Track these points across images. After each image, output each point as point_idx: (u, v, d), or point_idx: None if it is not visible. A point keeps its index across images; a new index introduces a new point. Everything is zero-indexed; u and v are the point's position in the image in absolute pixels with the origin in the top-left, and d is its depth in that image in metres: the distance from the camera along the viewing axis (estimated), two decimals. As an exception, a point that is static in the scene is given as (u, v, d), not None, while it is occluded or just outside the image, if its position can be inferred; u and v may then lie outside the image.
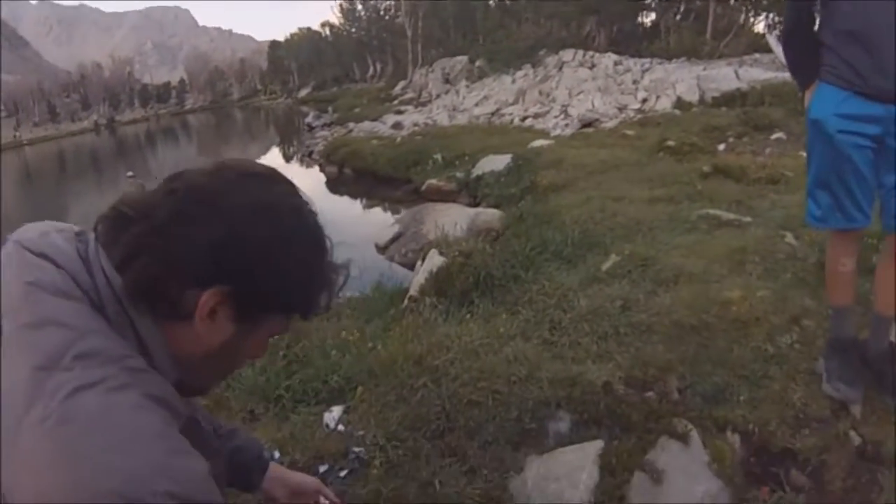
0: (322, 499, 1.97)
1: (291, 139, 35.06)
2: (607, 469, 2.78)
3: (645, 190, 8.71)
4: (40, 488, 0.89)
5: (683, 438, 2.94)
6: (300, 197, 1.20)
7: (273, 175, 1.20)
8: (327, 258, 1.21)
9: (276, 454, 3.18)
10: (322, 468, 3.09)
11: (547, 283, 5.21)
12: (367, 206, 16.71)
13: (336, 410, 3.57)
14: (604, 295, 4.61)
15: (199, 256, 1.06)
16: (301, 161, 27.13)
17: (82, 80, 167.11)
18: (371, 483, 2.87)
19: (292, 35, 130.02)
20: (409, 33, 60.32)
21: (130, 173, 32.56)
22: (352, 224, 14.62)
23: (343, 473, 3.04)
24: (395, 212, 14.25)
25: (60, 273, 1.08)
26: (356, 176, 19.59)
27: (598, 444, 2.91)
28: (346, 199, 18.02)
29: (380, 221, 13.27)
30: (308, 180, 21.93)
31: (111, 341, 1.04)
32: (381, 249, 10.95)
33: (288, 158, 30.05)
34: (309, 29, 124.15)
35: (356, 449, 3.16)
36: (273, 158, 33.80)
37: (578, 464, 2.79)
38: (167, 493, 0.93)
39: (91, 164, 57.58)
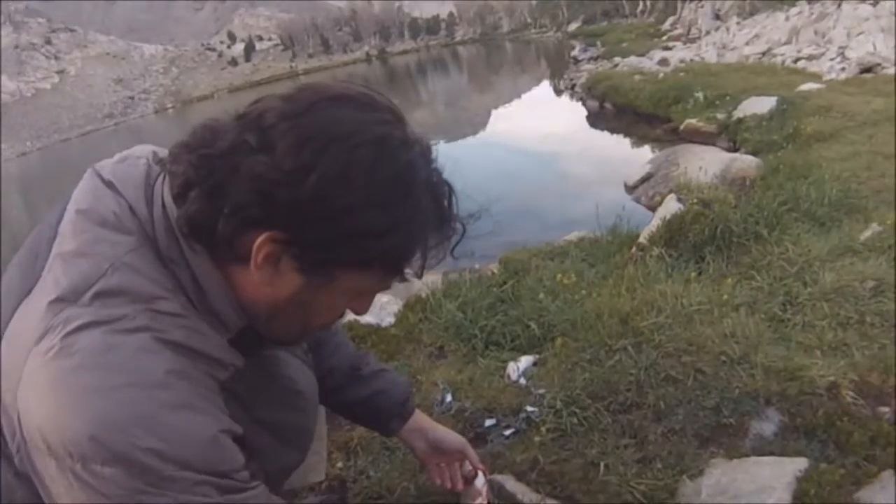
0: (467, 464, 1.82)
1: (561, 73, 34.41)
2: (803, 500, 2.16)
3: (924, 148, 7.31)
4: (35, 420, 0.85)
5: (913, 479, 2.26)
6: (398, 128, 0.95)
7: (366, 100, 0.96)
8: (425, 204, 0.94)
9: (449, 397, 2.98)
10: (489, 422, 2.83)
11: (791, 246, 4.50)
12: (624, 143, 15.90)
13: (524, 361, 3.27)
14: (854, 271, 3.85)
15: (247, 193, 0.89)
16: (569, 95, 26.45)
17: (353, 15, 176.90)
18: (532, 450, 2.54)
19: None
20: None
21: (384, 95, 33.94)
22: (606, 161, 14.16)
23: (508, 432, 2.75)
24: (651, 150, 13.45)
25: (118, 202, 0.98)
26: (616, 111, 18.70)
27: (800, 463, 2.29)
28: (605, 134, 17.45)
29: (634, 159, 12.57)
30: (569, 114, 21.54)
31: (145, 279, 0.93)
32: (630, 189, 10.49)
33: (559, 92, 29.43)
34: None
35: (530, 408, 2.84)
36: (543, 91, 33.59)
37: (769, 483, 2.21)
38: (150, 451, 0.83)
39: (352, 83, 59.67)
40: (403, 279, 1.02)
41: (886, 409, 2.64)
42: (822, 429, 2.50)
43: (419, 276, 1.03)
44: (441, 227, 0.98)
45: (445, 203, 0.98)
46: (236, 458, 0.97)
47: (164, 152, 1.06)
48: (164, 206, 0.97)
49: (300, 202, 0.87)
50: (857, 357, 2.96)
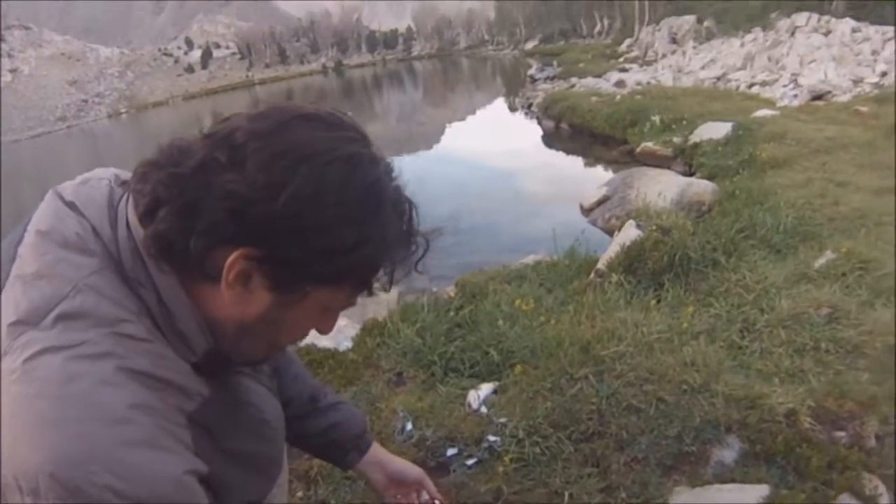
0: (424, 493, 1.79)
1: (517, 91, 34.81)
2: None
3: (875, 177, 7.60)
4: None
5: (870, 502, 2.35)
6: (365, 146, 0.96)
7: (333, 119, 0.97)
8: (393, 221, 0.96)
9: (409, 426, 2.98)
10: (451, 451, 2.85)
11: (748, 273, 4.63)
12: (579, 164, 16.15)
13: (484, 389, 3.30)
14: (810, 298, 3.97)
15: (220, 211, 0.87)
16: (524, 114, 26.72)
17: (312, 26, 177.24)
18: (495, 480, 2.56)
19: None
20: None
21: (349, 114, 33.74)
22: (562, 180, 14.29)
23: (471, 462, 2.78)
24: (606, 172, 13.65)
25: (81, 223, 0.96)
26: (572, 132, 18.98)
27: (762, 490, 2.38)
28: (560, 154, 17.62)
29: (589, 181, 12.71)
30: (524, 133, 21.74)
31: (109, 302, 0.91)
32: (586, 211, 10.57)
33: (513, 110, 29.72)
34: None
35: (492, 438, 2.87)
36: (498, 109, 33.86)
37: None
38: (107, 487, 0.80)
39: (318, 103, 59.52)
40: (371, 293, 1.03)
41: (842, 433, 2.75)
42: (782, 455, 2.60)
43: (387, 289, 1.03)
44: (406, 242, 1.00)
45: (408, 219, 0.99)
46: (200, 500, 0.94)
47: (125, 175, 1.06)
48: (128, 226, 0.95)
49: (273, 219, 0.87)
50: (813, 383, 3.07)
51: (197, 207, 0.88)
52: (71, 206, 0.98)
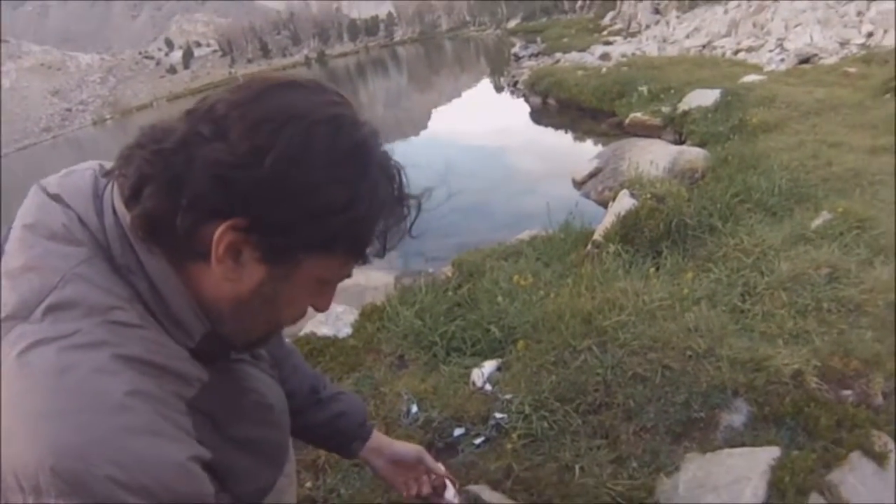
0: (433, 475, 1.81)
1: (502, 70, 34.68)
2: (778, 487, 2.23)
3: (867, 137, 7.60)
4: None
5: (880, 459, 2.35)
6: (348, 108, 0.95)
7: (314, 85, 0.96)
8: (383, 182, 0.95)
9: (414, 408, 2.97)
10: (458, 431, 2.84)
11: (746, 237, 4.61)
12: (569, 139, 16.04)
13: (487, 367, 3.28)
14: (809, 259, 3.96)
15: (205, 182, 0.86)
16: (510, 92, 26.60)
17: (292, 18, 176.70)
18: (504, 458, 2.54)
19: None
20: (620, -39, 57.56)
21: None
22: (552, 156, 14.26)
23: (479, 441, 2.76)
24: (597, 145, 13.54)
25: (67, 214, 0.94)
26: (560, 107, 18.87)
27: (773, 452, 2.38)
28: (549, 130, 17.54)
29: (580, 155, 12.64)
30: (511, 111, 21.66)
31: (100, 290, 0.88)
32: (578, 185, 10.54)
33: (499, 89, 29.61)
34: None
35: (498, 415, 2.86)
36: (483, 89, 33.75)
37: (744, 473, 2.28)
38: (109, 478, 0.77)
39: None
40: (365, 261, 1.01)
41: (849, 392, 2.75)
42: (791, 416, 2.59)
43: (381, 255, 1.01)
44: (397, 205, 0.98)
45: (398, 183, 0.98)
46: (205, 487, 0.92)
47: (110, 165, 1.02)
48: (115, 213, 0.93)
49: (260, 184, 0.85)
50: (817, 343, 3.06)
51: (182, 181, 0.86)
52: (56, 198, 0.96)
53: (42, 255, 0.89)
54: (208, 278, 0.93)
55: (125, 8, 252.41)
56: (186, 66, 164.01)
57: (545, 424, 2.71)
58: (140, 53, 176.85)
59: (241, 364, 1.20)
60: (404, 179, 0.99)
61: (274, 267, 0.93)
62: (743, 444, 2.48)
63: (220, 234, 0.87)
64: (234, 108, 0.88)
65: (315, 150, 0.87)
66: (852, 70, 13.93)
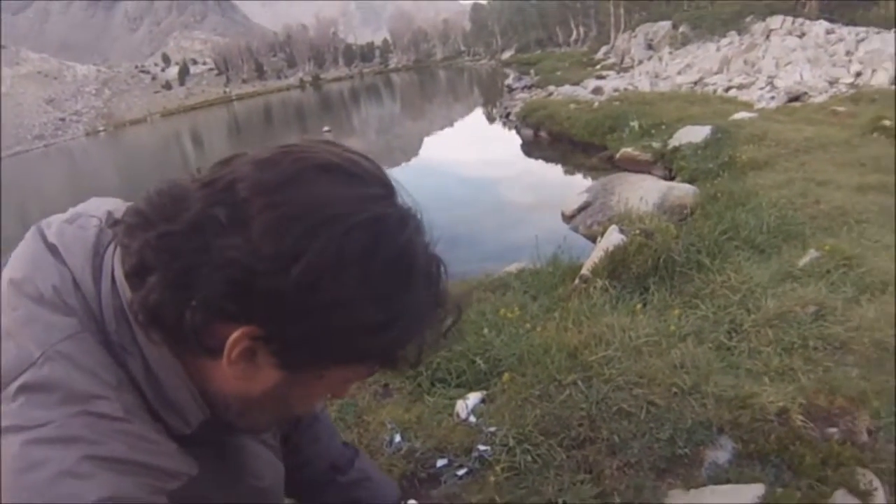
0: None
1: (495, 101, 34.99)
2: None
3: (854, 175, 7.75)
4: None
5: (865, 497, 2.36)
6: (391, 203, 0.81)
7: (355, 170, 0.81)
8: (423, 291, 0.82)
9: (398, 438, 2.96)
10: (441, 462, 2.82)
11: (733, 274, 4.65)
12: (559, 172, 16.18)
13: (472, 399, 3.27)
14: (795, 297, 4.00)
15: (220, 284, 0.74)
16: (502, 123, 26.79)
17: (288, 40, 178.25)
18: (487, 490, 2.54)
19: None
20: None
21: (327, 128, 33.51)
22: (541, 189, 14.32)
23: (461, 472, 2.75)
24: (587, 179, 13.67)
25: (60, 273, 0.83)
26: (551, 139, 19.06)
27: (757, 490, 2.38)
28: (539, 162, 17.66)
29: (570, 188, 12.74)
30: (503, 142, 21.81)
31: (83, 373, 0.78)
32: (567, 218, 10.59)
33: (492, 120, 29.85)
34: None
35: (482, 447, 2.85)
36: (476, 119, 34.00)
37: None
38: None
39: (296, 117, 60.67)
40: (396, 369, 0.91)
41: (834, 429, 2.77)
42: (776, 454, 2.61)
43: (415, 366, 0.91)
44: (437, 313, 0.87)
45: (438, 284, 0.86)
46: None
47: (120, 210, 0.91)
48: (114, 281, 0.83)
49: (284, 294, 0.74)
50: (803, 381, 3.09)
51: (192, 276, 0.76)
52: (52, 249, 0.87)
53: (24, 321, 0.80)
54: (215, 373, 0.84)
55: (125, 21, 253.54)
56: (182, 83, 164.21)
57: (529, 458, 2.70)
58: (136, 67, 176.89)
59: (240, 438, 1.09)
60: (444, 277, 0.87)
61: (292, 374, 0.84)
62: (727, 481, 2.49)
63: (235, 340, 0.78)
64: (258, 193, 0.76)
65: (351, 260, 0.75)
66: (841, 109, 14.15)
